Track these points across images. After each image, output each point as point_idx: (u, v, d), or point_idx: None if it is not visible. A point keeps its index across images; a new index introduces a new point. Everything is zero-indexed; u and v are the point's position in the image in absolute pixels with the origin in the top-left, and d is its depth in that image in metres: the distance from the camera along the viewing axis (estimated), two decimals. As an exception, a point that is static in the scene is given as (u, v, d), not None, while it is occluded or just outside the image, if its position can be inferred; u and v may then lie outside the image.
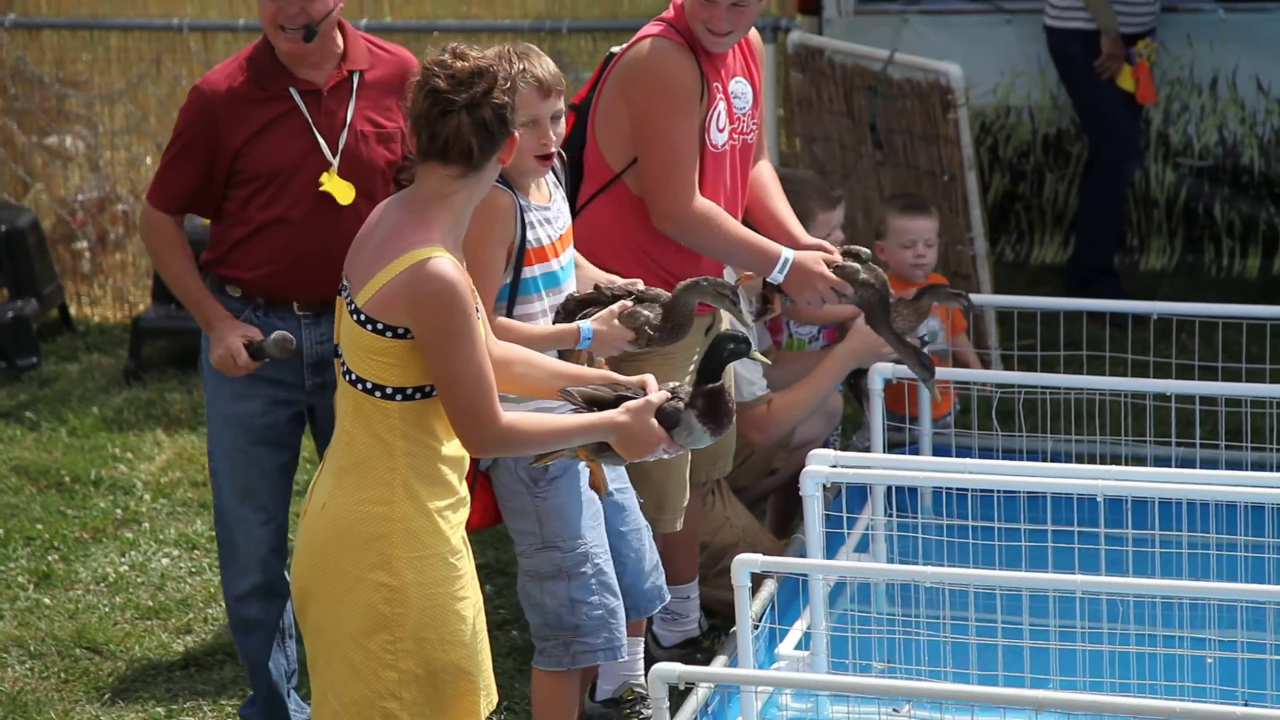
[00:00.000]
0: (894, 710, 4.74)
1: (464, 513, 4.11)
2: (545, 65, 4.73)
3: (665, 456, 4.29)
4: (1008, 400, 6.13)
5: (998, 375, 6.43)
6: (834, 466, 5.01)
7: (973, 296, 6.94)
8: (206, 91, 5.04)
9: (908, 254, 6.57)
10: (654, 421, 4.20)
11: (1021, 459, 5.96)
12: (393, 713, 4.02)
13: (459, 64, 3.99)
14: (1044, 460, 5.91)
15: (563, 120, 4.81)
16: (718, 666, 4.91)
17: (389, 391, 3.99)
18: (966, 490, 5.19)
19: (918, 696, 4.29)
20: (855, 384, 6.15)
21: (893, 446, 6.11)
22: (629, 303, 4.73)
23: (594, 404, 4.24)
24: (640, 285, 4.85)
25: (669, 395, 4.24)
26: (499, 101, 3.99)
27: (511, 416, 4.05)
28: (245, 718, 5.43)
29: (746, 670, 4.57)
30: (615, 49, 5.35)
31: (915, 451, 6.15)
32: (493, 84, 3.99)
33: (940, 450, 6.21)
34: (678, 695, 4.38)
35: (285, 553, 5.27)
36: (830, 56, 8.12)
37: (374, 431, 4.01)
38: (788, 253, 5.26)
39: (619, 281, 4.87)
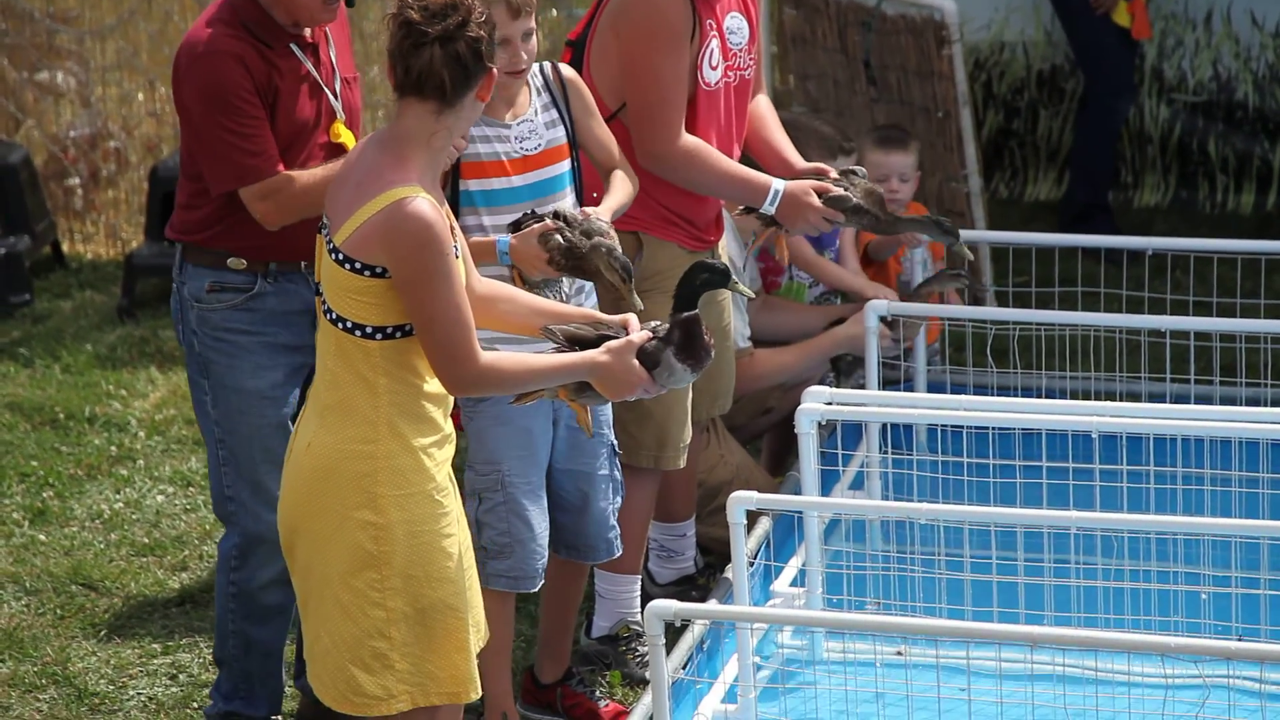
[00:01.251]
0: (898, 653, 4.76)
1: (449, 449, 4.12)
2: None
3: (646, 397, 4.28)
4: (1002, 337, 6.14)
5: (992, 312, 6.43)
6: (829, 404, 5.02)
7: (968, 234, 6.95)
8: (227, 52, 4.74)
9: (881, 187, 6.53)
10: (635, 361, 4.18)
11: (1016, 396, 5.97)
12: (382, 651, 4.04)
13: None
14: (1039, 397, 5.92)
15: (534, 39, 4.76)
16: (713, 604, 4.93)
17: (369, 330, 3.99)
18: (961, 427, 5.19)
19: (912, 633, 4.31)
20: (837, 361, 6.13)
21: (887, 384, 6.12)
22: (551, 223, 4.68)
23: (576, 342, 4.23)
24: (597, 222, 4.70)
25: (651, 335, 4.23)
26: (474, 35, 3.96)
27: (490, 356, 4.04)
28: (222, 713, 5.15)
29: (742, 607, 4.59)
30: None
31: (910, 389, 6.16)
32: (467, 16, 3.95)
33: (935, 387, 6.22)
34: (674, 632, 4.40)
35: None
36: (824, -9, 8.08)
37: (356, 370, 4.01)
38: (778, 183, 5.23)
39: (582, 211, 4.75)
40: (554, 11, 9.00)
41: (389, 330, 3.99)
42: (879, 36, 7.74)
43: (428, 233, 3.91)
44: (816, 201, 5.22)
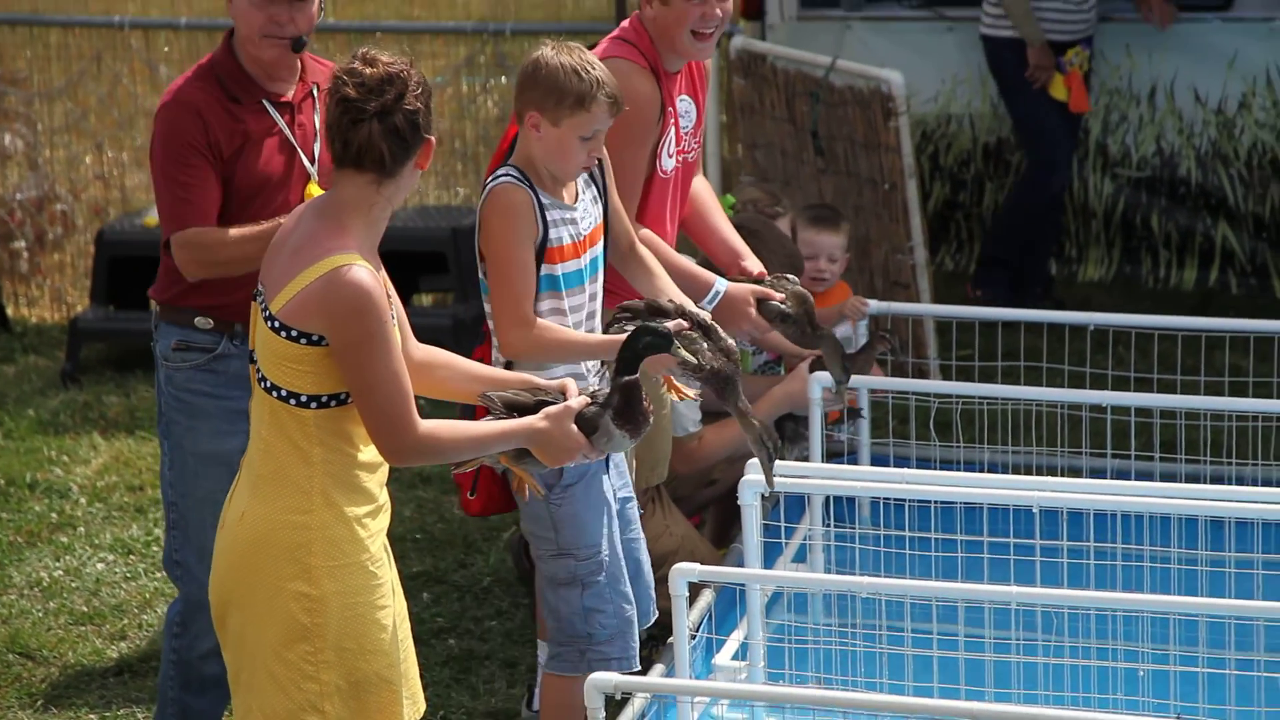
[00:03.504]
0: None
1: (384, 519, 4.10)
2: (615, 82, 4.70)
3: (586, 461, 4.28)
4: (945, 410, 6.16)
5: (936, 385, 6.46)
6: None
7: (913, 306, 7.00)
8: (187, 102, 4.82)
9: (810, 267, 6.57)
10: (573, 427, 4.18)
11: (959, 469, 5.99)
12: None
13: (369, 70, 3.97)
14: (981, 471, 5.94)
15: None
16: (655, 676, 4.92)
17: (304, 399, 3.98)
18: (904, 500, 5.20)
19: (854, 708, 4.31)
20: (780, 425, 6.15)
21: (830, 456, 6.13)
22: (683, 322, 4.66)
23: (514, 409, 4.23)
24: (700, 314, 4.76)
25: (589, 400, 4.23)
26: (411, 108, 3.97)
27: (429, 424, 4.03)
28: None
29: (683, 680, 4.58)
30: None
31: (853, 461, 6.17)
32: (404, 90, 3.97)
33: (878, 460, 6.24)
34: (614, 705, 4.38)
35: None
36: (773, 62, 8.14)
37: (290, 439, 4.00)
38: (720, 284, 5.26)
39: (686, 306, 4.78)
40: (504, 79, 9.04)
41: (324, 399, 3.98)
42: (826, 107, 7.80)
43: (366, 300, 3.91)
44: (754, 312, 5.26)
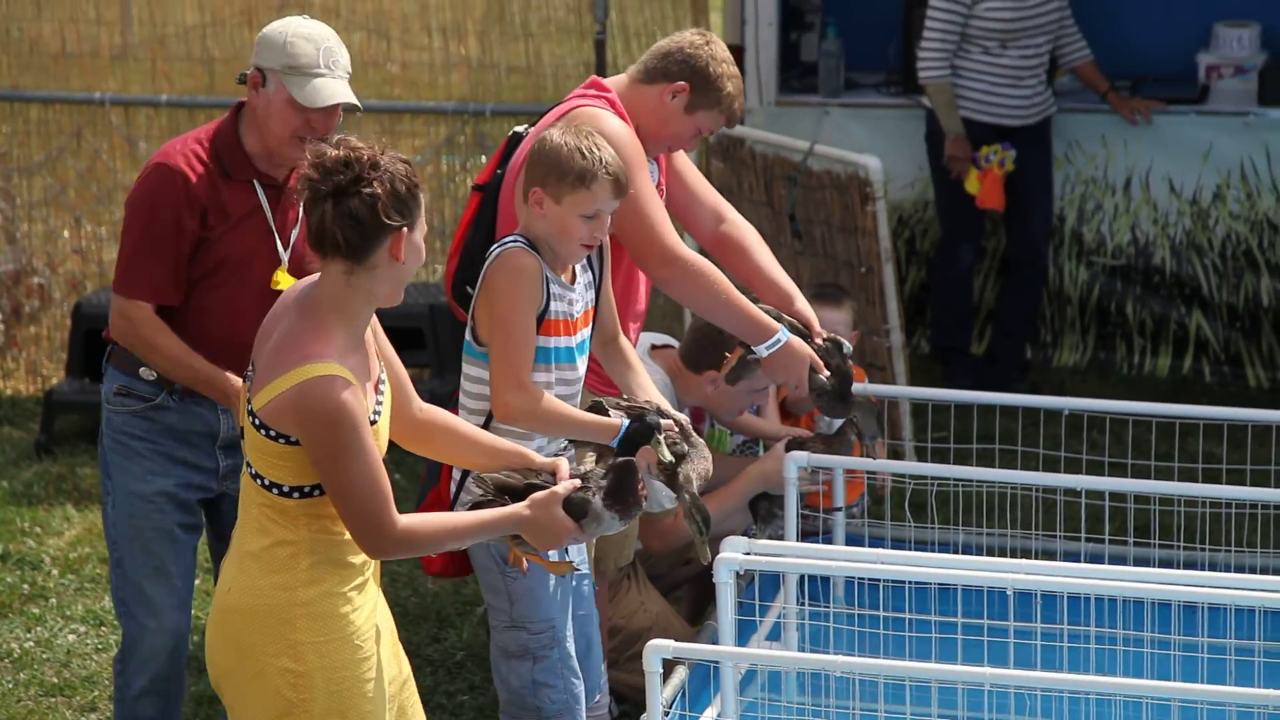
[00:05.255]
0: None
1: (370, 591, 4.10)
2: (620, 163, 4.74)
3: (577, 543, 4.28)
4: (920, 492, 6.17)
5: (911, 466, 6.47)
6: (748, 554, 5.03)
7: (889, 389, 7.03)
8: (175, 170, 4.89)
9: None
10: (560, 513, 4.17)
11: (934, 550, 5.99)
12: None
13: (330, 153, 3.94)
14: (955, 552, 5.94)
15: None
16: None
17: (287, 490, 3.99)
18: (879, 580, 5.21)
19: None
20: (755, 508, 6.15)
21: (805, 535, 6.13)
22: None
23: (505, 491, 4.21)
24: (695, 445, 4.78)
25: (578, 484, 4.21)
26: (369, 192, 3.91)
27: (408, 520, 4.03)
28: None
29: (729, 649, 4.58)
30: (519, 128, 5.34)
31: (829, 541, 6.17)
32: (360, 173, 3.90)
33: (853, 540, 6.24)
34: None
35: (185, 649, 5.17)
36: (751, 146, 8.20)
37: (274, 519, 4.01)
38: (783, 334, 5.31)
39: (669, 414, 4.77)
40: (482, 158, 9.08)
41: (306, 489, 4.00)
42: (804, 191, 7.85)
43: (338, 413, 3.89)
44: (805, 374, 5.28)
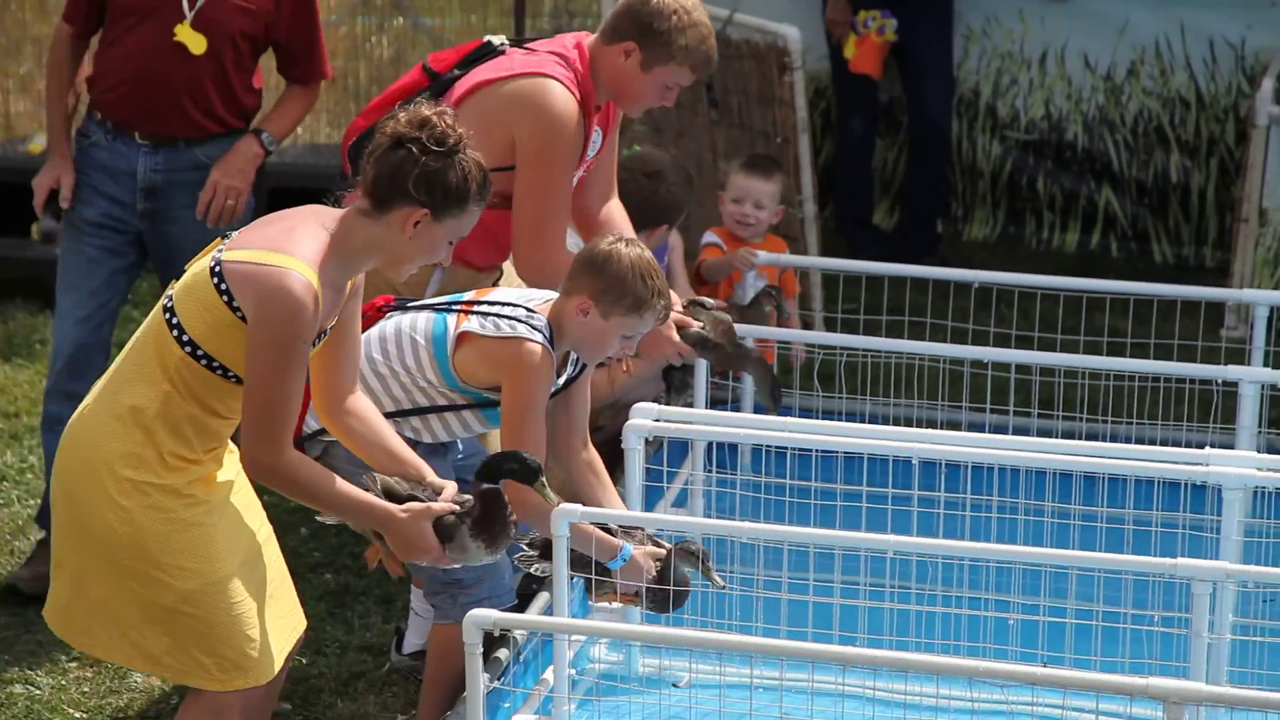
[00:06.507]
0: (674, 685, 4.84)
1: (198, 471, 4.09)
2: (670, 294, 4.80)
3: (439, 566, 4.28)
4: (829, 362, 6.22)
5: (821, 336, 6.52)
6: (656, 421, 5.06)
7: (800, 259, 7.06)
8: None
9: (735, 210, 6.63)
10: (428, 528, 4.18)
11: (841, 420, 6.05)
12: (138, 642, 4.07)
13: (427, 112, 4.04)
14: (863, 422, 6.00)
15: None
16: (533, 614, 4.94)
17: (186, 339, 3.99)
18: (785, 449, 5.25)
19: (730, 649, 4.36)
20: (668, 373, 6.19)
21: (715, 404, 6.18)
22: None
23: (389, 495, 4.22)
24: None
25: (453, 508, 4.23)
26: (420, 158, 3.99)
27: (298, 457, 4.06)
28: None
29: (561, 619, 4.61)
30: (494, 40, 5.30)
31: (737, 409, 6.22)
32: (427, 139, 4.01)
33: (761, 409, 6.29)
34: (492, 641, 4.41)
35: (92, 362, 5.64)
36: (669, 13, 8.13)
37: (153, 359, 4.03)
38: None
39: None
40: (398, 20, 8.99)
41: (200, 353, 4.00)
42: (723, 60, 7.81)
43: (299, 313, 3.93)
44: (675, 335, 5.30)
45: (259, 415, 3.99)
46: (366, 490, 4.21)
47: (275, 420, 3.99)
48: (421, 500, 4.21)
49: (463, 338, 4.70)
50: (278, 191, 6.42)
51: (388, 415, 4.65)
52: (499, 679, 4.52)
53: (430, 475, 4.32)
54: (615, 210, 5.53)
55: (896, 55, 8.82)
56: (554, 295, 4.81)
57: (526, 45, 5.30)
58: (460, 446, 4.94)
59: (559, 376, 4.82)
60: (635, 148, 6.85)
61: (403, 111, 4.08)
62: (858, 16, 8.52)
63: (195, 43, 5.68)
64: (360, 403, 4.32)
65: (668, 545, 4.76)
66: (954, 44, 9.00)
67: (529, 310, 4.72)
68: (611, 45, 5.20)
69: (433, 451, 4.78)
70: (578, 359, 4.87)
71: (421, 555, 4.21)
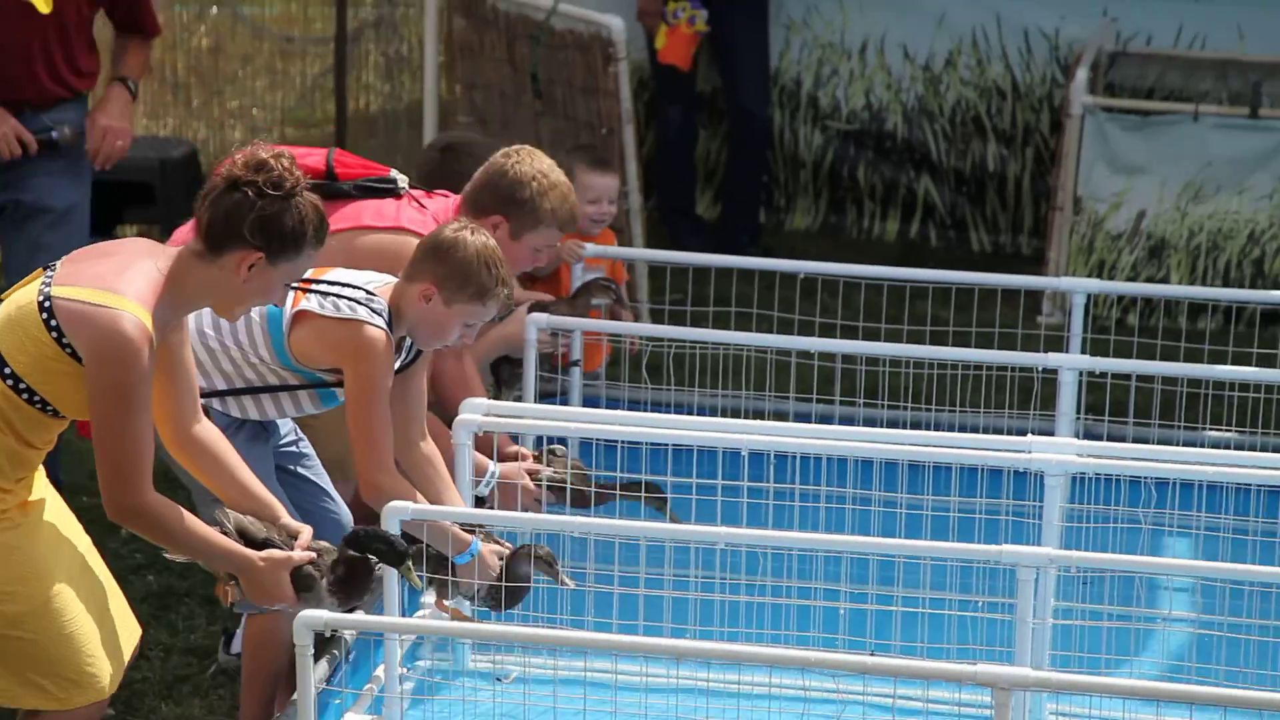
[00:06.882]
0: (498, 679, 4.85)
1: (10, 500, 4.01)
2: (514, 283, 4.79)
3: (289, 611, 4.25)
4: (657, 354, 6.24)
5: (648, 328, 6.54)
6: (486, 415, 5.05)
7: (626, 251, 7.07)
8: None
9: (591, 209, 6.59)
10: (285, 578, 4.16)
11: (670, 412, 6.08)
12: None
13: (264, 155, 3.97)
14: (691, 414, 6.03)
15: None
16: (363, 615, 4.90)
17: (8, 371, 3.91)
18: (615, 442, 5.26)
19: (561, 645, 4.36)
20: (498, 371, 6.17)
21: (544, 397, 6.17)
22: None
23: (243, 535, 4.17)
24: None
25: (313, 557, 4.19)
26: (255, 201, 3.93)
27: (161, 501, 4.00)
28: None
29: (392, 618, 4.58)
30: (400, 178, 5.30)
31: (566, 403, 6.22)
32: (264, 183, 3.93)
33: (590, 402, 6.30)
34: (323, 643, 4.37)
35: None
36: (494, 4, 8.13)
37: None
38: (494, 466, 5.19)
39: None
40: (214, 9, 8.87)
41: (23, 387, 3.91)
42: (547, 51, 7.81)
43: (137, 357, 3.86)
44: (530, 484, 5.25)
45: (113, 460, 3.93)
46: (218, 524, 4.16)
47: (129, 463, 3.93)
48: (278, 546, 4.17)
49: (300, 316, 4.64)
50: (97, 185, 6.30)
51: (215, 394, 4.60)
52: (329, 680, 4.48)
53: (284, 516, 4.28)
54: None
55: (711, 46, 8.86)
56: (394, 279, 4.78)
57: (432, 194, 5.35)
58: (281, 431, 4.88)
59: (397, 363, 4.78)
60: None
61: (239, 154, 4.02)
62: (668, 6, 8.55)
63: (42, 1, 5.72)
64: (208, 433, 4.25)
65: (508, 544, 4.75)
66: (774, 34, 9.07)
67: (368, 293, 4.67)
68: (480, 219, 5.14)
69: (254, 437, 4.73)
70: (411, 345, 4.84)
71: (275, 602, 4.19)
